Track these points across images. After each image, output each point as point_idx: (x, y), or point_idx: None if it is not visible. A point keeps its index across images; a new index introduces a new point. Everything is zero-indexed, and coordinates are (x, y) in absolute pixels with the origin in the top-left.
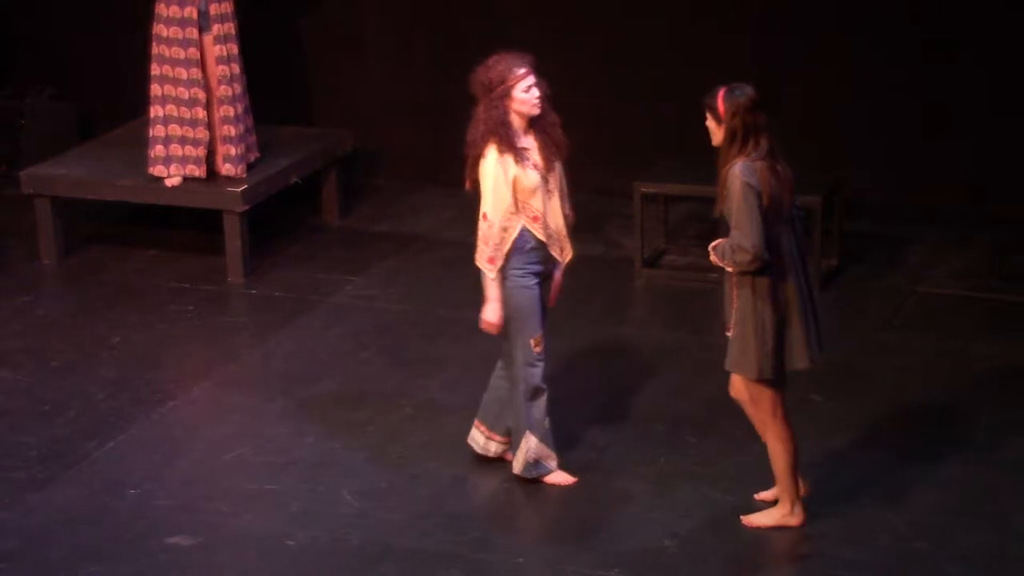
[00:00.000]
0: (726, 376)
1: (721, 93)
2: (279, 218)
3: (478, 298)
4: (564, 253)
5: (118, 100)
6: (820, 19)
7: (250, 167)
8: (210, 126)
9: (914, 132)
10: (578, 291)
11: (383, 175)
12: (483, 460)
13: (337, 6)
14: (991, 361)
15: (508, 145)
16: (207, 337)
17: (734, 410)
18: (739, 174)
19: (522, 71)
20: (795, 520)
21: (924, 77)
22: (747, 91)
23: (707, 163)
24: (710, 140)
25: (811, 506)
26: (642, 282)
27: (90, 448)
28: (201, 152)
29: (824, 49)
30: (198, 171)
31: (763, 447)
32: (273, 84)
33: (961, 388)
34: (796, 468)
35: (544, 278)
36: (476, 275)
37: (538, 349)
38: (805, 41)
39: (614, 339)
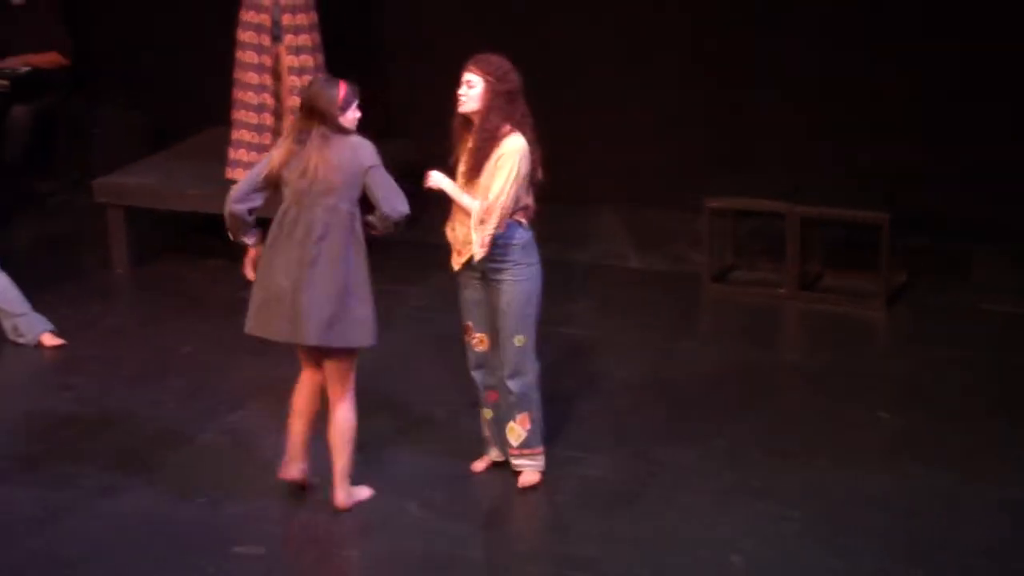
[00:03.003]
0: (788, 392)
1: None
2: None
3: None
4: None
5: (190, 110)
6: (863, 30)
7: None
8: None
9: (981, 145)
10: (646, 306)
11: None
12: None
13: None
14: None
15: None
16: (274, 347)
17: (798, 426)
18: None
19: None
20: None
21: (976, 88)
22: None
23: (775, 178)
24: (777, 156)
25: (863, 522)
26: (710, 297)
27: (159, 456)
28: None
29: (876, 61)
30: None
31: (827, 463)
32: None
33: None
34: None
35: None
36: None
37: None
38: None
39: (680, 353)
